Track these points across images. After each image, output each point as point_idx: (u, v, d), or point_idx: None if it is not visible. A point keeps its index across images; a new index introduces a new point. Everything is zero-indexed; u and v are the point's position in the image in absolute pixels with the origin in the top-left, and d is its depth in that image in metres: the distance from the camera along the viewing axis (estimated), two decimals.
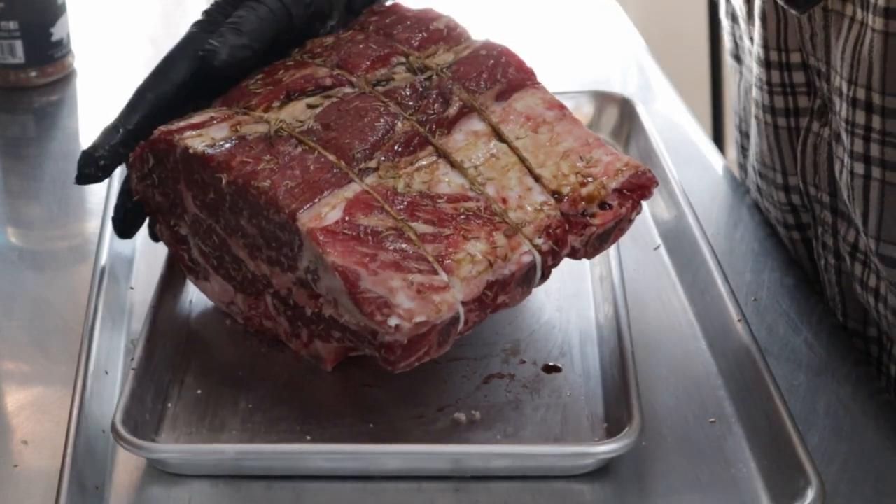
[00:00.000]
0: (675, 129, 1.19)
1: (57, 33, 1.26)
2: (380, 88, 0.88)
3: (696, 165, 1.13)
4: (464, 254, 0.79)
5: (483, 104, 0.88)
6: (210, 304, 0.92)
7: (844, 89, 0.86)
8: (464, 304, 0.79)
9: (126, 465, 0.80)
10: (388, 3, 0.97)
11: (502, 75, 0.90)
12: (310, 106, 0.86)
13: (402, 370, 0.79)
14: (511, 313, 0.91)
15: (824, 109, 0.93)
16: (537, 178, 0.85)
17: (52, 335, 0.92)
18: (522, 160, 0.85)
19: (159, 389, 0.84)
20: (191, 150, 0.82)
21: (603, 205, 0.84)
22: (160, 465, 0.79)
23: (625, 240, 0.95)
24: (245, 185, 0.80)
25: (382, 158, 0.83)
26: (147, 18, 1.43)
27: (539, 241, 0.82)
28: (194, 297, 0.93)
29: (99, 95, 1.27)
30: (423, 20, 0.94)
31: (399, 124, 0.85)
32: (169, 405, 0.84)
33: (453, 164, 0.84)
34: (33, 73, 1.26)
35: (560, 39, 1.37)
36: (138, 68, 1.33)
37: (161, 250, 0.93)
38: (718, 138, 1.85)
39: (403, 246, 0.79)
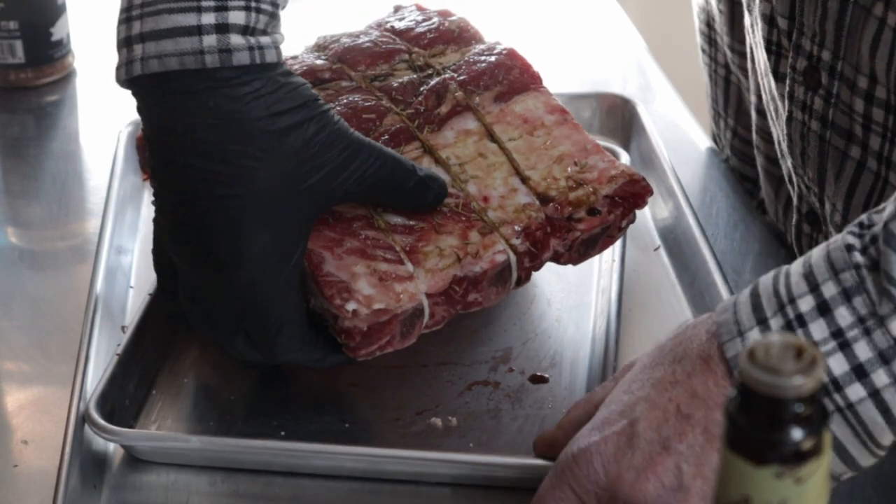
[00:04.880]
0: (675, 129, 1.18)
1: (57, 33, 1.26)
2: (377, 84, 0.88)
3: (695, 165, 1.13)
4: (432, 247, 0.80)
5: (480, 104, 0.88)
6: None
7: None
8: (429, 296, 0.79)
9: (125, 464, 0.80)
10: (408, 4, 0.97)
11: (504, 77, 0.89)
12: None
13: (364, 358, 0.79)
14: (508, 320, 0.91)
15: (815, 218, 0.92)
16: (524, 180, 0.84)
17: (51, 335, 0.92)
18: (511, 161, 0.85)
19: (145, 376, 0.84)
20: None
21: (592, 210, 0.84)
22: (130, 451, 0.79)
23: (625, 241, 0.95)
24: None
25: None
26: None
27: (516, 242, 0.82)
28: None
29: (99, 95, 1.26)
30: (437, 20, 0.94)
31: (388, 118, 0.86)
32: (153, 392, 0.84)
33: (437, 160, 0.85)
34: (33, 73, 1.26)
35: (560, 40, 1.36)
36: None
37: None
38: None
39: (371, 234, 0.80)
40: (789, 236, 1.01)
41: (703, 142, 1.18)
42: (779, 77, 0.90)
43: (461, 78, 0.89)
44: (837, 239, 0.64)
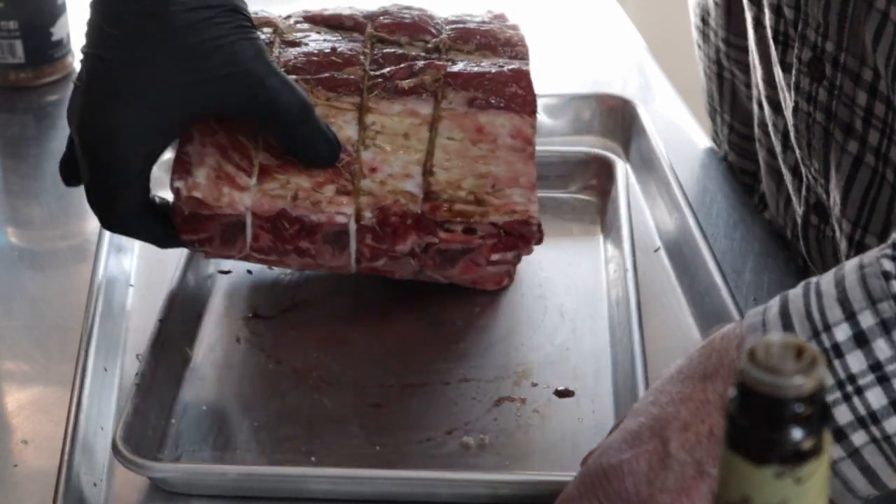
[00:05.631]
0: (675, 129, 1.18)
1: (57, 33, 1.26)
2: (379, 45, 0.89)
3: (695, 165, 1.13)
4: (284, 177, 0.81)
5: (451, 99, 0.86)
6: (219, 320, 0.91)
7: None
8: (254, 215, 0.81)
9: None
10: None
11: (495, 90, 0.87)
12: (316, 31, 0.90)
13: (186, 244, 0.83)
14: (524, 334, 0.90)
15: (822, 209, 0.92)
16: (425, 173, 0.83)
17: (52, 335, 0.92)
18: (428, 153, 0.84)
19: (163, 405, 0.83)
20: None
21: (469, 229, 0.82)
22: (162, 483, 0.77)
23: (633, 247, 0.94)
24: None
25: (315, 84, 0.85)
26: None
27: (367, 214, 0.82)
28: (203, 312, 0.92)
29: None
30: (491, 26, 0.93)
31: (351, 69, 0.86)
32: (173, 421, 0.82)
33: (359, 120, 0.84)
34: (33, 73, 1.26)
35: (560, 40, 1.36)
36: None
37: (162, 250, 0.93)
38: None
39: (244, 140, 0.82)
40: (788, 230, 1.01)
41: (703, 142, 1.18)
42: (786, 67, 0.90)
43: (454, 70, 0.88)
44: (872, 261, 0.63)
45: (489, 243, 0.82)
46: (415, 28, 0.91)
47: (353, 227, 0.81)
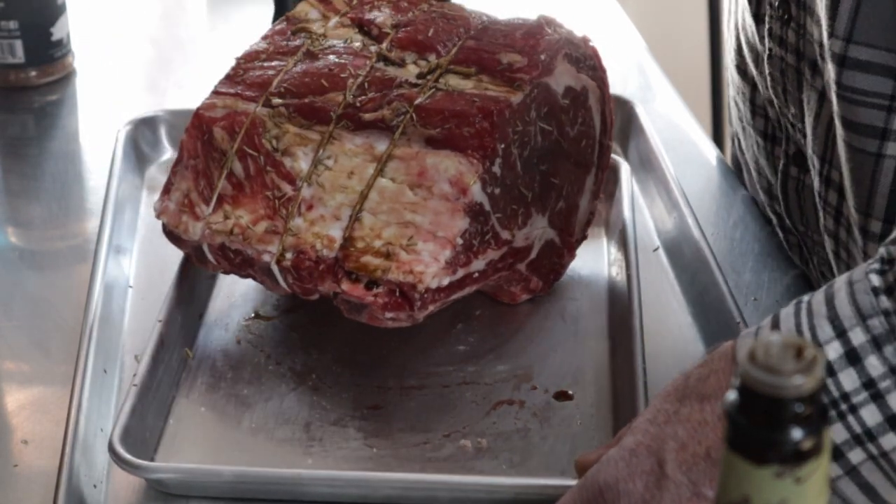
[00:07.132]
0: (675, 129, 1.19)
1: (57, 33, 1.26)
2: (382, 62, 0.88)
3: (695, 165, 1.13)
4: (230, 209, 0.84)
5: (409, 135, 0.83)
6: (219, 321, 0.91)
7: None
8: (209, 246, 0.85)
9: None
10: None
11: (455, 125, 0.83)
12: (347, 36, 0.91)
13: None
14: (525, 337, 0.90)
15: (801, 159, 0.92)
16: (353, 218, 0.82)
17: (52, 335, 0.92)
18: (362, 197, 0.82)
19: (162, 406, 0.83)
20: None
21: (371, 283, 0.81)
22: (157, 485, 0.77)
23: (636, 248, 0.94)
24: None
25: (294, 112, 0.86)
26: (147, 18, 1.43)
27: (288, 256, 0.82)
28: (204, 313, 0.92)
29: (99, 95, 1.26)
30: (511, 35, 0.89)
31: (332, 94, 0.86)
32: (171, 422, 0.82)
33: (316, 152, 0.84)
34: (33, 73, 1.26)
35: None
36: (138, 68, 1.33)
37: (161, 251, 0.93)
38: (718, 138, 1.85)
39: (212, 169, 0.85)
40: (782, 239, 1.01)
41: (703, 142, 1.18)
42: (759, 19, 0.91)
43: (423, 103, 0.84)
44: (861, 277, 0.62)
45: (380, 302, 0.80)
46: (426, 45, 0.88)
47: (276, 269, 0.83)
